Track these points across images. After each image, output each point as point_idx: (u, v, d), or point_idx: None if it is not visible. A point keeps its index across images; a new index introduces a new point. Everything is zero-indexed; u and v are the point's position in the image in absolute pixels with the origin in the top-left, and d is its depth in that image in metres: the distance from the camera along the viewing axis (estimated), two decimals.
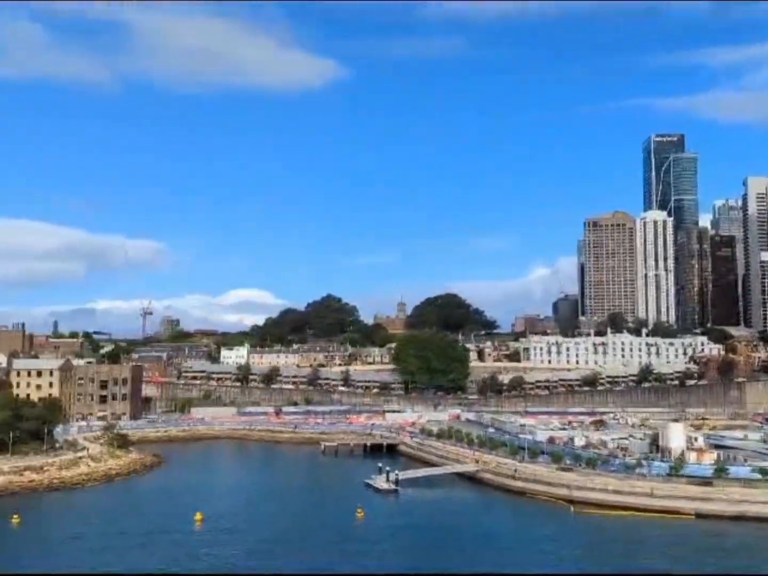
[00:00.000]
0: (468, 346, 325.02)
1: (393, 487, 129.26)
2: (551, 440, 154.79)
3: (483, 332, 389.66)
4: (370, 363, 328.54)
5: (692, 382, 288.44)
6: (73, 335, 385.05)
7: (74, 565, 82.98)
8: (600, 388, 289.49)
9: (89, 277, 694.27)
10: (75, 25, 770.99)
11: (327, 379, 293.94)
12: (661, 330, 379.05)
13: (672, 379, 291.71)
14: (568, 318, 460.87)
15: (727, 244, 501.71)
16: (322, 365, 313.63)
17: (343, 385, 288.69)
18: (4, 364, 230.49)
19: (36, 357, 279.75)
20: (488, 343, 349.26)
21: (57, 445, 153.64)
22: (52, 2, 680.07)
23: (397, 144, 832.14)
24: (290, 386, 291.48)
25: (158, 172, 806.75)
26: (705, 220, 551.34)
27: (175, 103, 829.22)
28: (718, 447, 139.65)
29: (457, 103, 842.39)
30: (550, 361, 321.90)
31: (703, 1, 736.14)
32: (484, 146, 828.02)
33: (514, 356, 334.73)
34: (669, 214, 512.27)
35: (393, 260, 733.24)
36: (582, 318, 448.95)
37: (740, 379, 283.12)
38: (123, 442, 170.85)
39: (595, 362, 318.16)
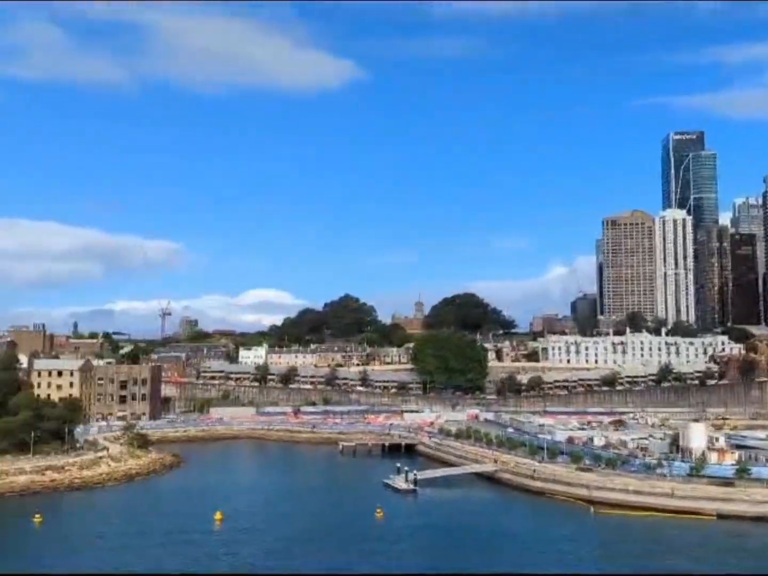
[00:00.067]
0: (486, 345, 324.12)
1: (412, 487, 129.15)
2: (570, 440, 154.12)
3: (501, 332, 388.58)
4: (388, 363, 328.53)
5: (713, 381, 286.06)
6: (93, 336, 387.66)
7: (95, 565, 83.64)
8: (619, 388, 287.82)
9: (107, 278, 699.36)
10: (94, 27, 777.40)
11: (345, 379, 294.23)
12: (680, 329, 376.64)
13: (692, 379, 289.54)
14: (586, 317, 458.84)
15: (747, 242, 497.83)
16: (340, 365, 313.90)
17: (361, 385, 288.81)
18: (25, 365, 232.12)
19: (56, 357, 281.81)
20: (506, 343, 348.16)
21: (78, 445, 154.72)
22: (73, 3, 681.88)
23: (414, 144, 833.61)
24: (308, 386, 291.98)
25: (175, 173, 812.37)
26: (725, 219, 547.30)
27: (192, 103, 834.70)
28: (739, 447, 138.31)
29: (474, 102, 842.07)
30: (568, 361, 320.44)
31: (722, 1, 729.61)
32: (502, 145, 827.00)
33: (533, 356, 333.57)
34: (688, 213, 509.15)
35: (410, 260, 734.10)
36: (601, 317, 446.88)
37: (761, 379, 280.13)
38: (143, 442, 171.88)
39: (614, 362, 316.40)
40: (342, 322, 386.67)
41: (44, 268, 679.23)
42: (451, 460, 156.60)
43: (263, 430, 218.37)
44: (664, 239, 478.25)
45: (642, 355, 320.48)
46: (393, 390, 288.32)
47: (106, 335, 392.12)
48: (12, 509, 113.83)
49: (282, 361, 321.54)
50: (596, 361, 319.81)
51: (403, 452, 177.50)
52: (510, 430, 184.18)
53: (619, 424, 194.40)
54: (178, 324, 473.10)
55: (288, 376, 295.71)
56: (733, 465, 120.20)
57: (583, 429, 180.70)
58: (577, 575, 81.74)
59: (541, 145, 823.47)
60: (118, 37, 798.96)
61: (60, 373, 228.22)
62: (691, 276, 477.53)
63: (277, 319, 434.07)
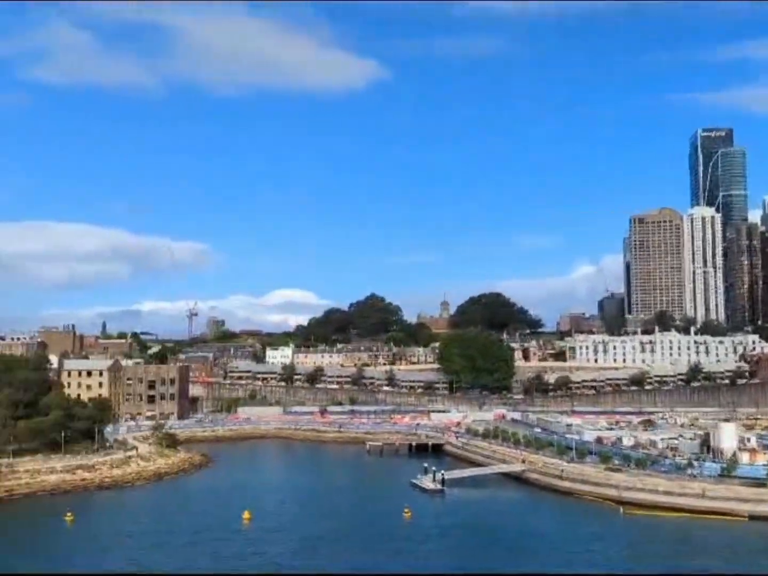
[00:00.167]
0: (513, 345, 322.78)
1: (439, 487, 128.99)
2: (599, 440, 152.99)
3: (528, 331, 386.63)
4: (414, 362, 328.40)
5: (743, 381, 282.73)
6: (122, 336, 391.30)
7: (125, 564, 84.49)
8: (648, 387, 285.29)
9: (135, 279, 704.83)
10: (119, 30, 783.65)
11: (371, 378, 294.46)
12: (710, 328, 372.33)
13: (722, 378, 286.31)
14: (614, 316, 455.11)
15: None
16: (366, 365, 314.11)
17: (387, 385, 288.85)
18: (56, 365, 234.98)
19: (86, 358, 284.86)
20: (533, 343, 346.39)
21: (107, 444, 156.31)
22: (99, 3, 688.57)
23: (438, 143, 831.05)
24: (335, 386, 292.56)
25: (201, 174, 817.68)
26: (754, 216, 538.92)
27: (218, 104, 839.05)
28: None
29: (499, 101, 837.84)
30: (596, 360, 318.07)
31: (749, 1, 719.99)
32: (527, 143, 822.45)
33: (560, 355, 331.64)
34: (717, 210, 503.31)
35: (436, 259, 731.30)
36: (628, 316, 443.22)
37: None
38: (171, 442, 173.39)
39: (643, 361, 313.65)
40: (368, 322, 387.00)
41: (73, 269, 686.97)
42: (479, 460, 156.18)
43: (290, 430, 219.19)
44: (692, 237, 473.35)
45: (671, 355, 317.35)
46: (419, 390, 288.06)
47: (135, 335, 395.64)
48: (44, 508, 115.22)
49: (308, 360, 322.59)
50: (624, 361, 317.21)
51: (430, 452, 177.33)
52: (537, 429, 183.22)
53: (648, 424, 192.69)
54: (205, 324, 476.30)
55: (314, 376, 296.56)
56: (765, 465, 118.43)
57: (611, 429, 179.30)
58: (607, 575, 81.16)
59: (567, 143, 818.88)
60: (143, 40, 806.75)
61: (89, 373, 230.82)
62: (720, 274, 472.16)
63: (303, 319, 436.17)
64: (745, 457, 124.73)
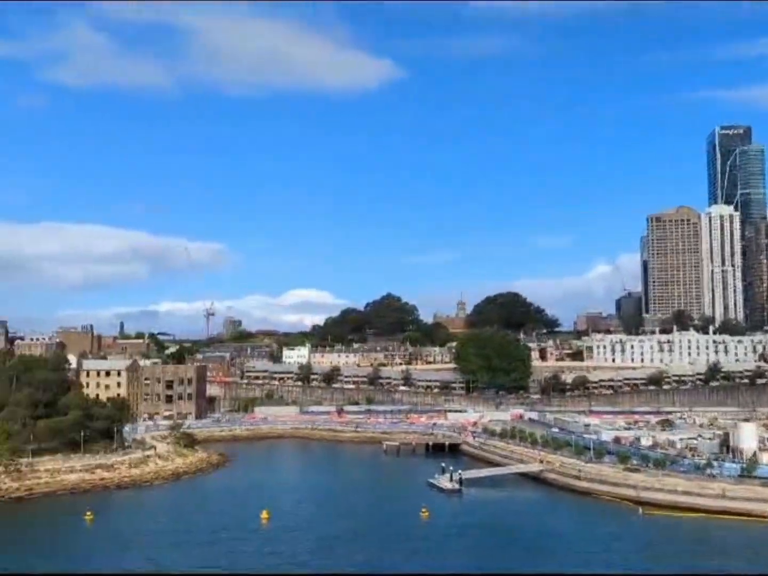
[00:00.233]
0: (530, 344, 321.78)
1: (457, 486, 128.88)
2: (617, 440, 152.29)
3: (545, 331, 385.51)
4: (430, 362, 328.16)
5: (763, 380, 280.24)
6: (140, 336, 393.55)
7: (143, 562, 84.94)
8: (666, 387, 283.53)
9: (152, 279, 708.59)
10: (136, 32, 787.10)
11: (388, 378, 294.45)
12: (728, 327, 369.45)
13: (741, 378, 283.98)
14: (631, 316, 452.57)
15: None
16: (383, 365, 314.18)
17: (403, 385, 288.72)
18: (74, 365, 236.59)
19: (104, 358, 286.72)
20: (550, 342, 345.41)
21: (126, 444, 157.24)
22: (116, 3, 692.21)
23: (453, 143, 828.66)
24: (351, 386, 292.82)
25: (218, 174, 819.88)
26: None
27: (233, 104, 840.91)
28: None
29: (513, 100, 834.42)
30: (614, 360, 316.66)
31: None
32: (543, 142, 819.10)
33: (577, 355, 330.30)
34: (735, 209, 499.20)
35: (452, 259, 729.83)
36: (646, 316, 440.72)
37: None
38: (189, 441, 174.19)
39: (661, 361, 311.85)
40: (384, 322, 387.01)
41: (91, 270, 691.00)
42: (496, 459, 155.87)
43: (307, 430, 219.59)
44: (710, 236, 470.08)
45: (689, 354, 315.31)
46: (436, 389, 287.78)
47: (152, 336, 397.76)
48: (64, 507, 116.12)
49: (325, 360, 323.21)
50: (642, 360, 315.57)
51: (447, 452, 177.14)
52: (555, 429, 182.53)
53: (666, 424, 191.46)
54: (222, 324, 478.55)
55: (331, 376, 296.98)
56: None
57: (629, 429, 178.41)
58: (628, 575, 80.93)
59: (583, 141, 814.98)
60: (159, 41, 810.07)
61: (108, 373, 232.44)
62: (738, 273, 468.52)
63: (318, 319, 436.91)
64: (765, 458, 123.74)
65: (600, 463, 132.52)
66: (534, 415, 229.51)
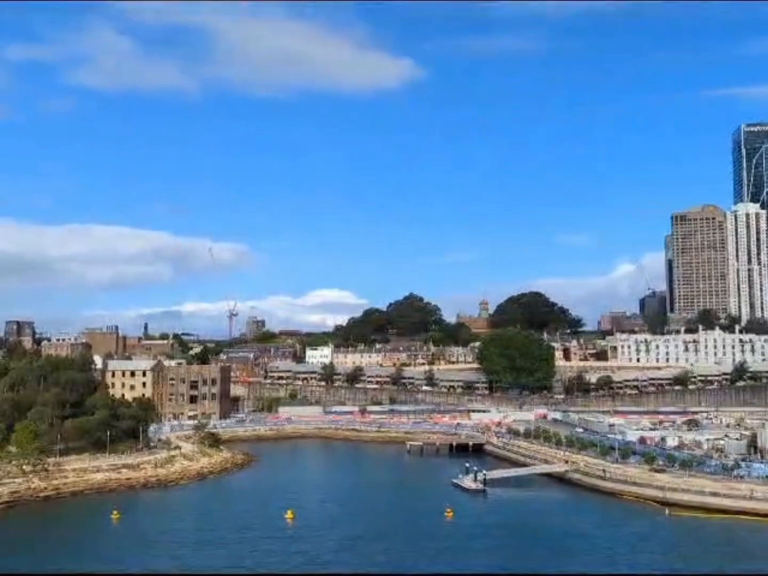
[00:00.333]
0: (553, 344, 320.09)
1: (481, 486, 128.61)
2: (642, 440, 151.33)
3: (568, 331, 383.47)
4: (453, 362, 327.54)
5: None
6: (164, 337, 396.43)
7: (169, 562, 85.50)
8: (691, 387, 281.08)
9: (176, 280, 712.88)
10: (159, 35, 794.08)
11: (411, 378, 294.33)
12: (755, 326, 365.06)
13: None
14: (656, 315, 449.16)
15: None
16: (406, 365, 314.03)
17: (426, 385, 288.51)
18: (100, 365, 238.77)
19: (129, 358, 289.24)
20: (574, 342, 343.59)
21: (151, 443, 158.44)
22: (139, 3, 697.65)
23: (475, 142, 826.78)
24: (374, 386, 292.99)
25: (240, 175, 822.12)
26: None
27: (255, 105, 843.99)
28: None
29: (536, 98, 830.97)
30: (638, 360, 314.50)
31: None
32: (565, 141, 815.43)
33: (601, 355, 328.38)
34: (762, 207, 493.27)
35: (474, 258, 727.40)
36: (671, 315, 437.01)
37: None
38: (214, 441, 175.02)
39: (686, 360, 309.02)
40: (407, 322, 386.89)
41: (115, 271, 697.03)
42: (520, 460, 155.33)
43: (331, 430, 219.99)
44: (736, 234, 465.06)
45: (715, 354, 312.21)
46: (459, 389, 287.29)
47: (176, 336, 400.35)
48: (91, 506, 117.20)
49: (348, 360, 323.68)
50: (667, 360, 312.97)
51: (471, 452, 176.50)
52: (579, 430, 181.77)
53: (692, 424, 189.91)
54: (245, 325, 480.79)
55: (354, 376, 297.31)
56: None
57: (655, 429, 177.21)
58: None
59: (607, 139, 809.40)
60: (182, 43, 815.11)
61: (133, 374, 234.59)
62: (765, 271, 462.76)
63: (341, 319, 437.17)
64: None
65: (625, 464, 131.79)
66: (558, 415, 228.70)
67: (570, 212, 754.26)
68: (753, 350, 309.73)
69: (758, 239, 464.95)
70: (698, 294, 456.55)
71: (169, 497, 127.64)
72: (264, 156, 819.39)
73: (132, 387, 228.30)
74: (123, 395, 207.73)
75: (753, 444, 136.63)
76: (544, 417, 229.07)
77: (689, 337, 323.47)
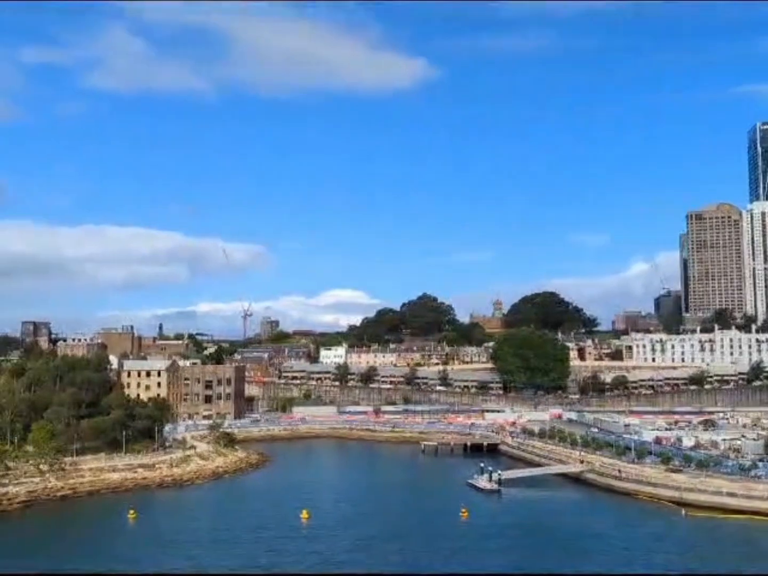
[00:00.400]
0: (568, 344, 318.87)
1: (496, 486, 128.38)
2: (658, 441, 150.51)
3: (583, 330, 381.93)
4: (467, 362, 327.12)
5: None
6: (179, 337, 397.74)
7: (184, 561, 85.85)
8: (707, 387, 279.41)
9: (190, 280, 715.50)
10: (172, 36, 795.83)
11: (425, 378, 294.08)
12: None
13: None
14: (671, 315, 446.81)
15: None
16: (419, 365, 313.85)
17: (440, 385, 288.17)
18: (115, 365, 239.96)
19: (144, 358, 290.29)
20: (588, 342, 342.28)
21: (167, 443, 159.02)
22: (151, 3, 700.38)
23: (488, 140, 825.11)
24: (388, 386, 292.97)
25: (255, 177, 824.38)
26: None
27: (268, 106, 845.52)
28: None
29: (548, 97, 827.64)
30: (654, 360, 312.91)
31: None
32: (579, 139, 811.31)
33: (616, 355, 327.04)
34: None
35: (488, 258, 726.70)
36: (686, 314, 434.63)
37: None
38: (229, 441, 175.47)
39: (702, 360, 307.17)
40: (421, 322, 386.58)
41: (130, 271, 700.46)
42: (535, 460, 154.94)
43: (345, 429, 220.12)
44: (752, 232, 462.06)
45: (731, 354, 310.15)
46: (473, 389, 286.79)
47: (191, 336, 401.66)
48: (107, 505, 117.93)
49: (361, 360, 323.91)
50: (683, 360, 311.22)
51: (485, 452, 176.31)
52: (594, 430, 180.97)
53: (708, 424, 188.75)
54: (259, 325, 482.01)
55: (368, 376, 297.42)
56: None
57: (670, 429, 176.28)
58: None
59: (621, 138, 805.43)
60: (195, 44, 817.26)
61: (148, 374, 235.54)
62: None
63: (354, 319, 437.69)
64: None
65: (641, 464, 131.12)
66: (573, 415, 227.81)
67: (584, 211, 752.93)
68: None
69: None
70: (714, 293, 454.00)
71: (185, 497, 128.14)
72: (277, 156, 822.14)
73: (147, 387, 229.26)
74: (138, 395, 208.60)
75: None
76: (559, 417, 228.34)
77: (705, 336, 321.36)
